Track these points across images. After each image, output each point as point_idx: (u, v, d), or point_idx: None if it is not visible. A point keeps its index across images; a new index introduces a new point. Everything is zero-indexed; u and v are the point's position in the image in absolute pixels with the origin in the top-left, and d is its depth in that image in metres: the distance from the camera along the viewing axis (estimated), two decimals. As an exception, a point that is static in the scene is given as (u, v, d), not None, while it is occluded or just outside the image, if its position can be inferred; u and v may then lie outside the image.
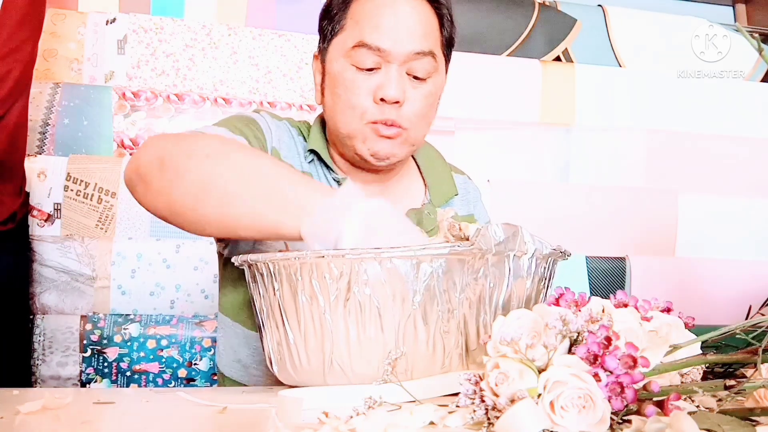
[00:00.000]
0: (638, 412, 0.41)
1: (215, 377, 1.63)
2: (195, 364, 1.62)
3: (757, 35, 0.59)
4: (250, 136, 0.82)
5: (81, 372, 1.57)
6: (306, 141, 0.91)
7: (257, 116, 0.87)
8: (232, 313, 0.89)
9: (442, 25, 0.85)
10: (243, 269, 0.75)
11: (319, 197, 0.59)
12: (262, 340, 0.63)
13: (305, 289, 0.54)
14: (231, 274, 0.89)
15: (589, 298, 0.48)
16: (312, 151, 0.89)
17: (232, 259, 0.63)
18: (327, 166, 0.89)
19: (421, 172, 0.97)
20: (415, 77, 0.82)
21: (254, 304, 0.62)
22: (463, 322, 0.54)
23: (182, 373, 1.61)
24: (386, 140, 0.82)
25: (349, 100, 0.81)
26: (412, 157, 0.97)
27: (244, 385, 0.88)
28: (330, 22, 0.84)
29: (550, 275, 0.61)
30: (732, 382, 0.43)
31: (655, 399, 0.41)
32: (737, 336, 0.50)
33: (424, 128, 0.86)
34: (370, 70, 0.80)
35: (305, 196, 0.60)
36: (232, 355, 0.90)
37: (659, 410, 0.40)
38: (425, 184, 0.96)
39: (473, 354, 0.55)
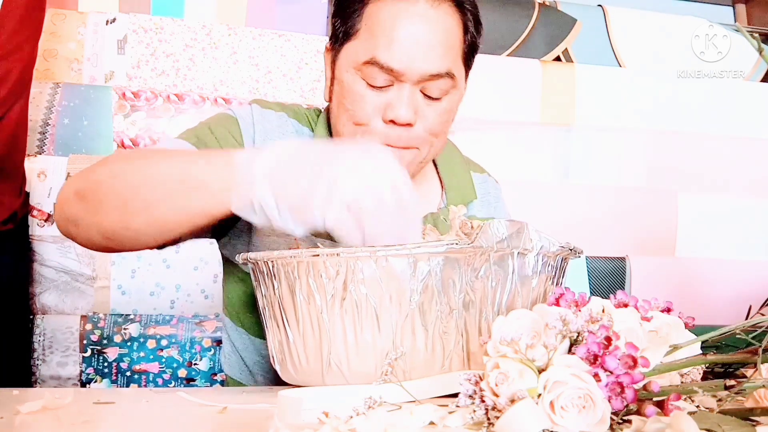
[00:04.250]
0: (638, 412, 0.41)
1: (215, 377, 1.63)
2: (195, 364, 1.62)
3: (757, 35, 0.59)
4: (211, 140, 0.78)
5: (81, 372, 1.57)
6: (312, 130, 0.86)
7: (242, 112, 0.82)
8: (235, 316, 0.87)
9: (465, 31, 0.78)
10: (240, 269, 0.74)
11: (232, 168, 0.57)
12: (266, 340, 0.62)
13: (302, 288, 0.54)
14: (230, 274, 0.86)
15: (589, 298, 0.48)
16: None
17: (237, 257, 0.63)
18: None
19: (438, 174, 0.92)
20: (429, 96, 0.76)
21: (258, 303, 0.62)
22: (464, 322, 0.53)
23: (182, 373, 1.61)
24: (396, 150, 0.75)
25: (355, 115, 0.76)
26: None
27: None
28: (343, 23, 0.78)
29: (560, 274, 0.59)
30: (732, 382, 0.43)
31: (655, 399, 0.41)
32: (737, 336, 0.50)
33: (439, 143, 0.81)
34: (382, 87, 0.74)
35: (220, 173, 0.58)
36: (238, 360, 0.88)
37: (659, 410, 0.40)
38: (443, 187, 0.91)
39: (475, 356, 0.53)
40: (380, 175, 0.54)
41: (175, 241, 0.70)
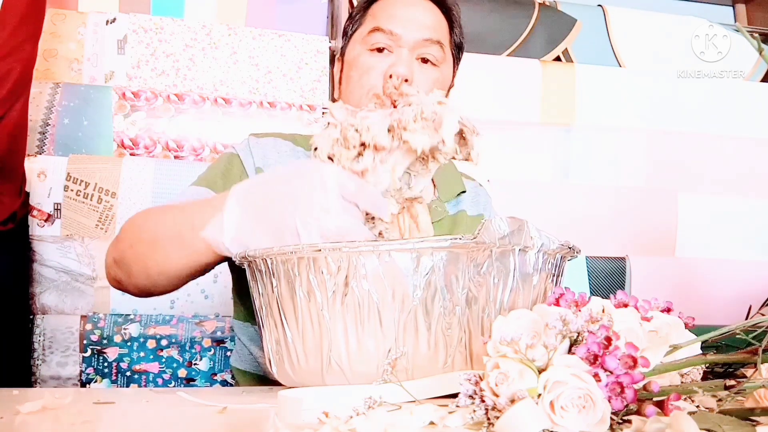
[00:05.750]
0: (638, 412, 0.41)
1: (215, 377, 1.63)
2: (195, 364, 1.62)
3: (757, 35, 0.59)
4: (218, 179, 0.88)
5: (81, 372, 1.57)
6: (306, 149, 0.95)
7: (241, 146, 0.93)
8: (244, 317, 0.94)
9: (452, 31, 0.93)
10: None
11: (206, 209, 0.66)
12: (262, 340, 0.63)
13: (302, 285, 0.54)
14: (240, 284, 0.93)
15: (589, 298, 0.48)
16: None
17: (232, 256, 0.63)
18: None
19: None
20: (425, 60, 0.88)
21: (254, 302, 0.62)
22: (467, 319, 0.53)
23: (182, 373, 1.61)
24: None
25: (360, 80, 0.88)
26: None
27: (259, 376, 0.92)
28: (352, 23, 0.94)
29: (559, 272, 0.59)
30: (732, 382, 0.43)
31: (655, 399, 0.41)
32: (737, 336, 0.50)
33: None
34: (382, 51, 0.88)
35: (196, 214, 0.67)
36: (246, 353, 0.94)
37: (659, 410, 0.40)
38: (434, 184, 0.99)
39: (477, 355, 0.53)
40: (326, 203, 0.59)
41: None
